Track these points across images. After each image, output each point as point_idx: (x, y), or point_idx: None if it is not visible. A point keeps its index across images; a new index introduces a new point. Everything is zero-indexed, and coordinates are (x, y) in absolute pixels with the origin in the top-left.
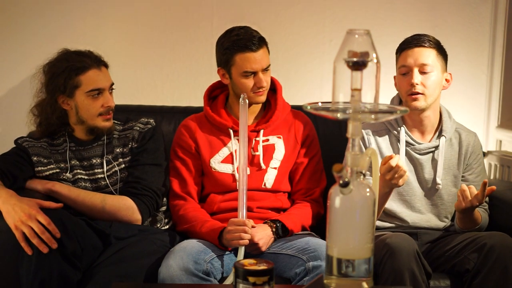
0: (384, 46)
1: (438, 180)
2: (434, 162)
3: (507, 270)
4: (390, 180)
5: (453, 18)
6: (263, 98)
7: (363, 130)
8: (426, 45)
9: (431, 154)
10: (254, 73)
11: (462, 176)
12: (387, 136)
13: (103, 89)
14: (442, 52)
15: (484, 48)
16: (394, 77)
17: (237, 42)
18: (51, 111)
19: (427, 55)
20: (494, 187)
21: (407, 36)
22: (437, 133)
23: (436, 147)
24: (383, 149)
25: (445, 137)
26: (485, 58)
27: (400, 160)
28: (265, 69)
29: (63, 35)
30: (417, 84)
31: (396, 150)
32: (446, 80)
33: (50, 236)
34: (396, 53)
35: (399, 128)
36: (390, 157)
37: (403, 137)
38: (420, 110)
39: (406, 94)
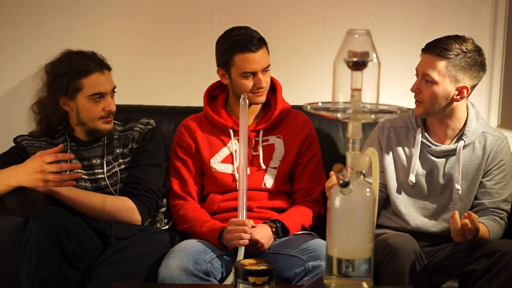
0: (384, 46)
1: (457, 186)
2: (449, 165)
3: None
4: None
5: (453, 18)
6: (262, 98)
7: (381, 126)
8: (437, 54)
9: (447, 157)
10: (254, 74)
11: (480, 182)
12: (404, 134)
13: (105, 93)
14: (459, 63)
15: (484, 48)
16: None
17: (237, 43)
18: (52, 111)
19: (433, 65)
20: (476, 216)
21: (406, 36)
22: (457, 137)
23: (454, 151)
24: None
25: (464, 141)
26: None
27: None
28: (265, 70)
29: (64, 36)
30: (414, 91)
31: (410, 150)
32: (459, 92)
33: (68, 176)
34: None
35: (417, 128)
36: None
37: (418, 138)
38: (423, 116)
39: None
